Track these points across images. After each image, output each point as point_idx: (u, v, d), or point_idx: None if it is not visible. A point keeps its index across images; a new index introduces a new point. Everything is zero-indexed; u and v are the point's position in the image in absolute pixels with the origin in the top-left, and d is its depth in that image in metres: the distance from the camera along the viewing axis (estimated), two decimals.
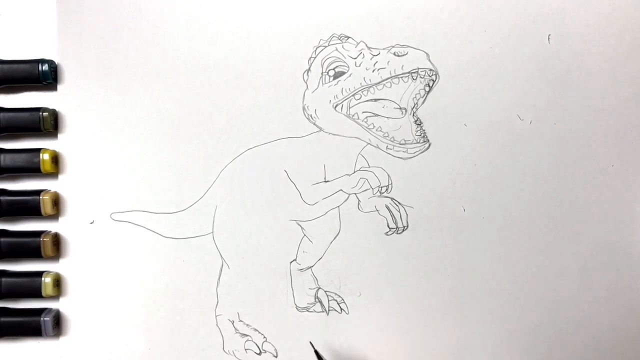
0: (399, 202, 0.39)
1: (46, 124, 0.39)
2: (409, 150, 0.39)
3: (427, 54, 0.39)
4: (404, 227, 0.39)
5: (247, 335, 0.40)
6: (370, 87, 0.39)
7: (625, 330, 0.39)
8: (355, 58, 0.39)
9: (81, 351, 0.39)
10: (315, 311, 0.40)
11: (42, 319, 0.38)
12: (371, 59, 0.39)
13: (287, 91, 0.39)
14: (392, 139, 0.39)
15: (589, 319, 0.39)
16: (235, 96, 0.39)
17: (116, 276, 0.39)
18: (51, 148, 0.39)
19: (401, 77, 0.39)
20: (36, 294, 0.39)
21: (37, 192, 0.39)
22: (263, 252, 0.40)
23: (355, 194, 0.39)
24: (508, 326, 0.39)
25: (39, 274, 0.39)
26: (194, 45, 0.39)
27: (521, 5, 0.39)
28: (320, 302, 0.40)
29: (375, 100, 0.39)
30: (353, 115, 0.39)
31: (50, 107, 0.39)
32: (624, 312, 0.39)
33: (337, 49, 0.39)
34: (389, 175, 0.39)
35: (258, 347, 0.40)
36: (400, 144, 0.39)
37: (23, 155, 0.39)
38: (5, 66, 0.38)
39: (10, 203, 0.39)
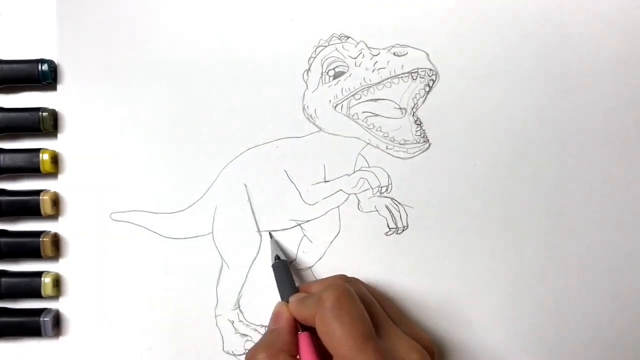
0: (399, 202, 0.39)
1: (46, 124, 0.39)
2: (409, 150, 0.39)
3: (427, 54, 0.39)
4: (404, 227, 0.39)
5: (247, 335, 0.40)
6: (370, 87, 0.39)
7: (626, 330, 0.39)
8: (355, 58, 0.39)
9: (81, 351, 0.39)
10: None
11: (41, 319, 0.38)
12: (371, 59, 0.39)
13: (287, 91, 0.39)
14: (392, 139, 0.39)
15: (589, 319, 0.39)
16: (235, 96, 0.39)
17: (116, 276, 0.39)
18: (51, 148, 0.39)
19: (401, 77, 0.39)
20: (36, 294, 0.39)
21: (37, 192, 0.39)
22: (263, 252, 0.39)
23: (355, 194, 0.39)
24: (508, 326, 0.39)
25: (39, 274, 0.39)
26: (194, 45, 0.39)
27: (521, 5, 0.39)
28: None
29: (375, 100, 0.39)
30: (353, 115, 0.39)
31: (50, 107, 0.39)
32: (624, 312, 0.39)
33: (337, 49, 0.39)
34: (389, 175, 0.39)
35: None
36: (400, 144, 0.39)
37: (23, 155, 0.39)
38: (5, 66, 0.38)
39: (10, 203, 0.39)
